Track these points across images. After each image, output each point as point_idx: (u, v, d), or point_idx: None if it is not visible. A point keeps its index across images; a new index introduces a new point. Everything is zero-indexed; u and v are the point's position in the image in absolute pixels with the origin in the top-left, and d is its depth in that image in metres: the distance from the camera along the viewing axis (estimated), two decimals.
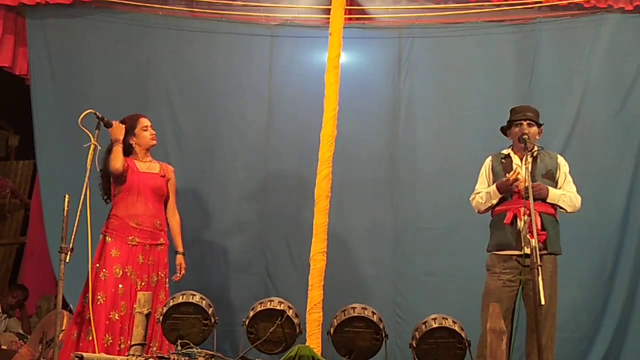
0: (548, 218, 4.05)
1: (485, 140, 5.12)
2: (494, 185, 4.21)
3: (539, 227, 3.85)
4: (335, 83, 4.67)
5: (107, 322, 4.11)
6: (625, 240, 5.25)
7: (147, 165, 4.48)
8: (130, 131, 4.44)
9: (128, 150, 4.47)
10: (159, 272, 4.38)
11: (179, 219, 4.62)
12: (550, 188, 4.10)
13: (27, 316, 6.00)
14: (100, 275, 4.19)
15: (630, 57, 5.39)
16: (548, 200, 4.09)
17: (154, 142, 4.53)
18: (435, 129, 5.62)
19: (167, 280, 4.44)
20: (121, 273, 4.22)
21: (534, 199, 3.86)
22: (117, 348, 4.08)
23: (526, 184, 3.84)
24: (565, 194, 4.13)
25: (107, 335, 4.09)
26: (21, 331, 5.76)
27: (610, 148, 5.35)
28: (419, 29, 5.69)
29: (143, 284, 4.28)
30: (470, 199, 4.39)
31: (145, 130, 4.48)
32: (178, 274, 4.50)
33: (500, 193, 4.19)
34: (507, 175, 4.14)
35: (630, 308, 5.22)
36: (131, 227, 4.30)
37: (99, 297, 4.14)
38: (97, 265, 4.22)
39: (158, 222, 4.40)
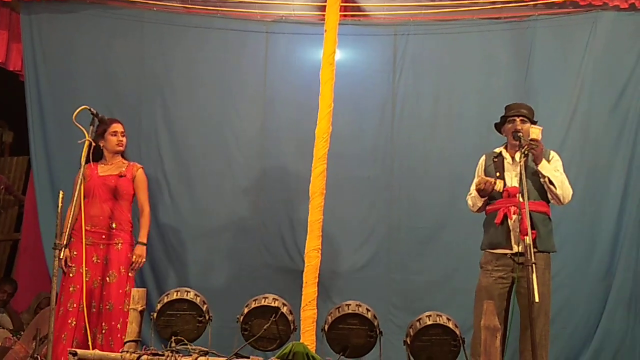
0: (539, 216, 4.05)
1: (481, 138, 5.13)
2: (475, 189, 4.25)
3: (527, 226, 3.83)
4: (331, 80, 4.67)
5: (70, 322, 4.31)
6: (621, 235, 5.26)
7: (108, 168, 4.58)
8: (102, 134, 4.55)
9: (99, 153, 4.56)
10: (120, 269, 4.46)
11: (147, 212, 4.67)
12: (544, 161, 4.11)
13: (14, 312, 5.98)
14: (65, 275, 4.38)
15: (625, 55, 5.40)
16: (539, 168, 4.07)
17: (120, 148, 4.62)
18: (430, 126, 5.62)
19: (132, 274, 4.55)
20: (75, 272, 4.36)
21: (533, 150, 3.93)
22: (62, 342, 4.23)
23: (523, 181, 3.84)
24: (558, 176, 4.12)
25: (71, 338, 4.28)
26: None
27: (606, 144, 5.36)
28: (415, 26, 5.68)
29: (96, 284, 4.38)
30: (466, 198, 4.42)
31: (114, 135, 4.59)
32: (134, 264, 4.54)
33: (481, 197, 4.21)
34: (497, 174, 4.18)
35: (627, 304, 5.23)
36: (86, 229, 4.37)
37: (61, 296, 4.34)
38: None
39: (114, 224, 4.48)
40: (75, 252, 4.38)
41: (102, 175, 4.53)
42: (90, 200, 4.45)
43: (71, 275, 4.37)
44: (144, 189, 4.69)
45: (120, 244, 4.49)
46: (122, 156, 4.67)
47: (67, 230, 4.10)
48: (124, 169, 4.59)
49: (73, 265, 4.37)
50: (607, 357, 5.19)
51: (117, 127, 4.61)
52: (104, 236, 4.45)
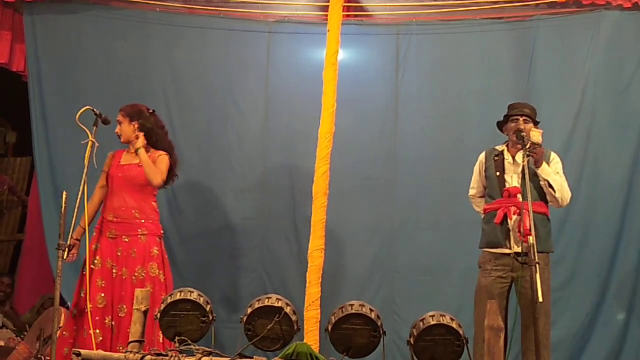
0: (538, 217, 4.03)
1: (483, 138, 5.11)
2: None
3: (528, 227, 3.82)
4: (333, 80, 4.68)
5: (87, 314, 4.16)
6: (624, 237, 5.25)
7: (131, 157, 4.43)
8: None
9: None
10: (147, 265, 4.28)
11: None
12: (544, 164, 4.11)
13: (14, 314, 5.96)
14: (84, 270, 4.24)
15: (628, 55, 5.39)
16: (539, 171, 4.07)
17: (121, 140, 4.45)
18: (433, 125, 5.62)
19: (160, 272, 4.33)
20: (100, 265, 4.22)
21: (533, 153, 3.93)
22: (95, 340, 4.09)
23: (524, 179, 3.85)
24: (557, 179, 4.12)
25: (84, 328, 4.15)
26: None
27: (609, 145, 5.35)
28: (417, 26, 5.68)
29: (124, 277, 4.23)
30: (469, 195, 4.44)
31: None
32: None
33: None
34: (497, 173, 4.17)
35: (629, 305, 5.22)
36: (108, 220, 4.30)
37: (81, 291, 4.21)
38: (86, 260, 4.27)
39: (137, 213, 4.32)
40: (99, 245, 4.24)
41: (123, 164, 4.40)
42: (112, 190, 4.34)
43: (97, 268, 4.21)
44: (161, 165, 4.38)
45: (144, 235, 4.31)
46: (151, 144, 4.44)
47: (84, 223, 4.02)
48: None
49: (98, 257, 4.22)
50: (610, 358, 5.18)
51: (118, 117, 4.43)
52: (127, 227, 4.29)
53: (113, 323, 4.18)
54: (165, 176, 4.40)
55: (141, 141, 4.39)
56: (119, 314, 4.20)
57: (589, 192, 5.24)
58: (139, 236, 4.31)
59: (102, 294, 4.20)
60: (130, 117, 4.44)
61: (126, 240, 4.29)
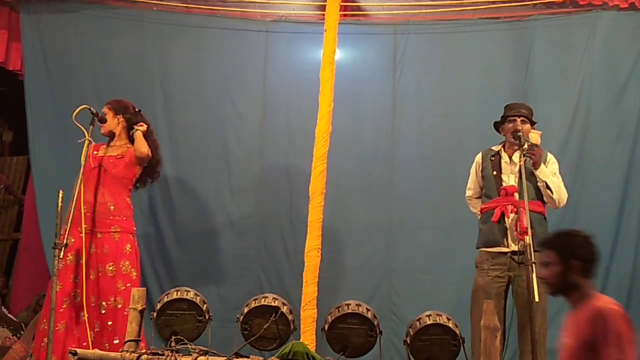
0: (535, 216, 4.04)
1: (481, 137, 5.13)
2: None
3: (526, 225, 3.82)
4: (331, 79, 4.68)
5: (62, 310, 4.12)
6: (620, 238, 5.25)
7: (110, 149, 4.41)
8: None
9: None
10: (119, 262, 4.22)
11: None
12: (542, 165, 4.12)
13: (5, 315, 5.94)
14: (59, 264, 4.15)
15: (625, 55, 5.40)
16: (537, 173, 4.08)
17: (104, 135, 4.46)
18: (430, 125, 5.63)
19: (132, 269, 4.27)
20: (74, 261, 4.17)
21: (532, 155, 3.92)
22: (76, 337, 4.08)
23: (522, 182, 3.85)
24: (555, 181, 4.12)
25: (60, 323, 4.10)
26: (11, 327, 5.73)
27: (605, 144, 5.36)
28: (415, 26, 5.69)
29: (100, 274, 4.20)
30: (466, 196, 4.44)
31: None
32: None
33: None
34: (494, 172, 4.17)
35: (626, 307, 5.21)
36: (82, 213, 4.20)
37: (58, 285, 4.11)
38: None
39: (111, 206, 4.28)
40: (72, 239, 4.10)
41: (102, 156, 4.36)
42: (87, 183, 4.25)
43: (72, 263, 4.15)
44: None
45: (117, 233, 4.26)
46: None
47: (69, 219, 3.97)
48: (123, 151, 4.38)
49: (72, 252, 4.15)
50: None
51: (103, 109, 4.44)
52: (100, 223, 4.23)
53: (87, 317, 4.12)
54: (151, 152, 4.38)
55: (144, 128, 4.42)
56: (101, 311, 4.18)
57: (585, 192, 5.24)
58: (112, 233, 4.27)
59: (78, 290, 4.16)
60: (115, 111, 4.45)
61: (99, 236, 4.25)
